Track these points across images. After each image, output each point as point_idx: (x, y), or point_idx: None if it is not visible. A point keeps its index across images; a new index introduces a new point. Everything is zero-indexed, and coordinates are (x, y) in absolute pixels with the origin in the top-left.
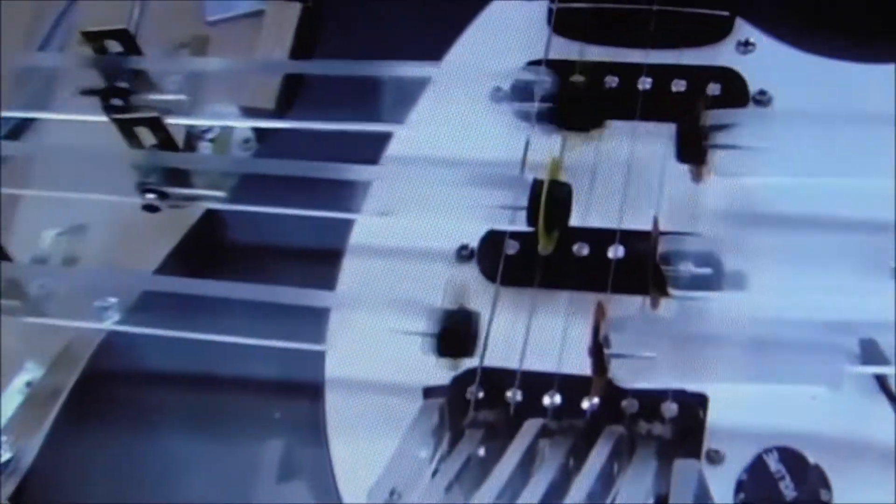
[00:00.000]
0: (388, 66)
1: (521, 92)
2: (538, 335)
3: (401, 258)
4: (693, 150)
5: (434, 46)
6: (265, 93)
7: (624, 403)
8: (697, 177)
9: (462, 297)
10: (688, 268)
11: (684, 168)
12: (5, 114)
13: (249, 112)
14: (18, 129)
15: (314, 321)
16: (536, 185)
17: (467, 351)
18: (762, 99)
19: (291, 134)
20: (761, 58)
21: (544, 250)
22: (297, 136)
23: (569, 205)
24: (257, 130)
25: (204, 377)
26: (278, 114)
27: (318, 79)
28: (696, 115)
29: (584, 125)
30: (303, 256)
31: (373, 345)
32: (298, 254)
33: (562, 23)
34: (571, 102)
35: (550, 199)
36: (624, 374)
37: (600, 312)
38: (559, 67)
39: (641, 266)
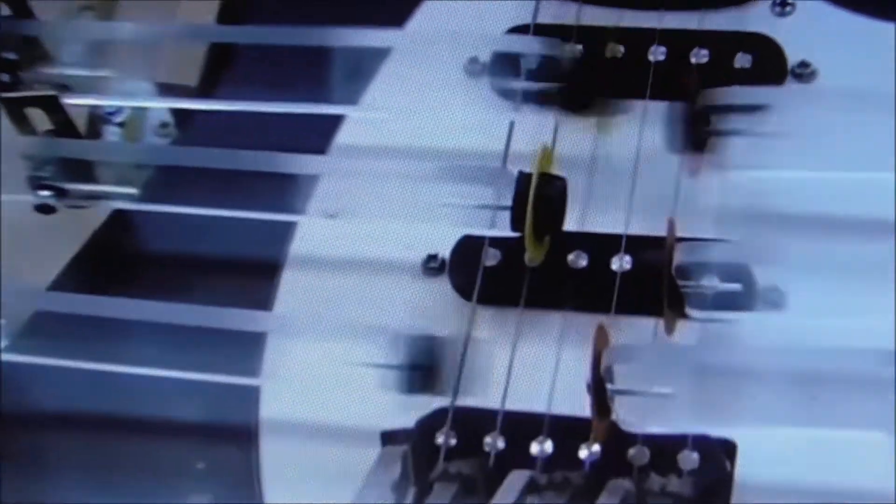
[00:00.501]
0: (337, 33)
1: (503, 64)
2: (524, 367)
3: (353, 271)
4: (688, 138)
5: (395, 9)
6: (187, 66)
7: (632, 452)
8: (692, 169)
9: (429, 320)
10: (712, 283)
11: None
12: None
13: (168, 90)
14: None
15: (247, 349)
16: (523, 179)
17: (435, 386)
18: (804, 72)
19: (219, 117)
20: (803, 21)
21: (532, 261)
22: (225, 120)
23: (563, 204)
24: (177, 112)
25: (111, 417)
26: (203, 92)
27: (251, 49)
28: (690, 93)
29: (581, 106)
30: (232, 269)
31: (318, 379)
32: (227, 265)
33: None
34: (566, 77)
35: (540, 196)
36: (632, 416)
37: (602, 339)
38: (551, 34)
39: (653, 281)
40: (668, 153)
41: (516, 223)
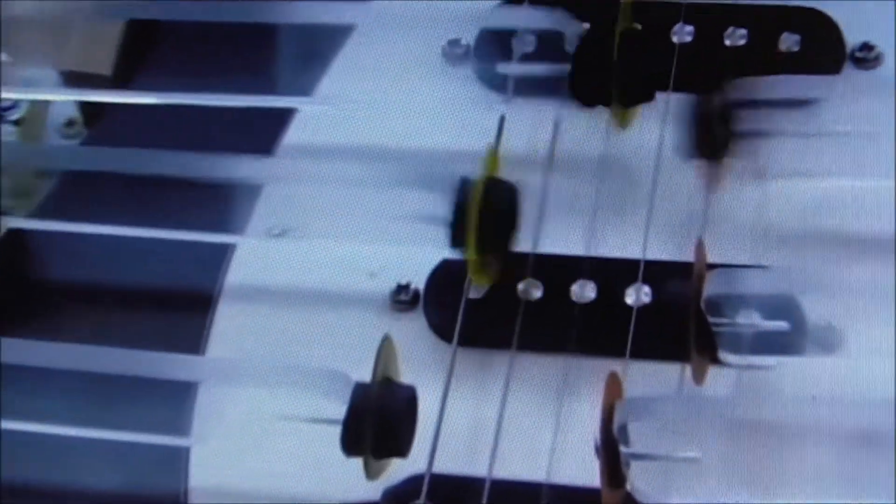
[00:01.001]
0: (286, 7)
1: (491, 46)
2: (517, 424)
3: (304, 305)
4: (708, 142)
5: None
6: (98, 50)
7: None
8: (712, 182)
9: (399, 365)
10: (751, 320)
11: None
12: None
13: (75, 79)
14: None
15: (173, 401)
16: (465, 186)
17: (403, 449)
18: (866, 57)
19: (138, 112)
20: None
21: (531, 291)
22: (146, 116)
23: (512, 216)
24: (86, 107)
25: (7, 483)
26: (118, 82)
27: (177, 29)
28: (716, 87)
29: (590, 97)
30: (155, 302)
31: (262, 438)
32: (148, 297)
33: None
34: (569, 61)
35: (486, 207)
36: (650, 487)
37: (614, 389)
38: (554, 6)
39: (678, 317)
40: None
41: (456, 238)
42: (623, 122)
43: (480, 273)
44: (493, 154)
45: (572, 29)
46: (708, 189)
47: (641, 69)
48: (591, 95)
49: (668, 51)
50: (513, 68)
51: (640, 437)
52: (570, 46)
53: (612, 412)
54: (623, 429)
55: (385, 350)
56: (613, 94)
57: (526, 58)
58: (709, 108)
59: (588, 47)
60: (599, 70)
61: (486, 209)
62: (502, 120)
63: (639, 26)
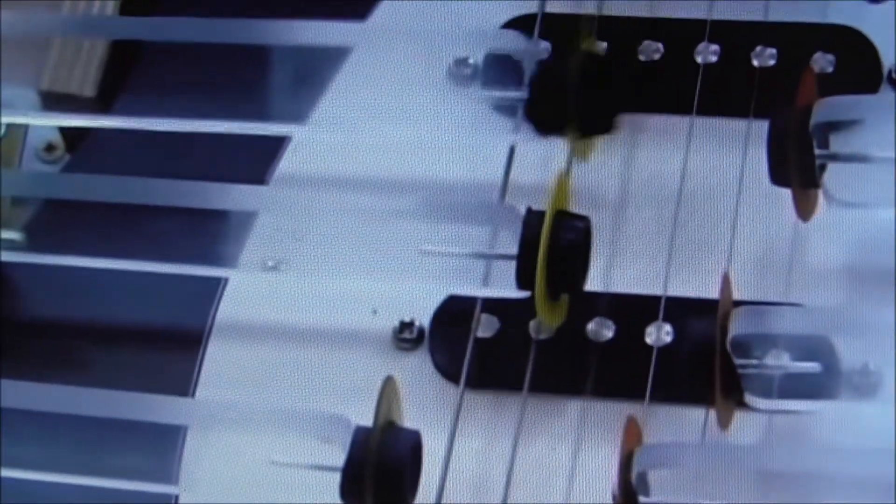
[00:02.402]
0: (280, 27)
1: (500, 68)
2: (529, 472)
3: (300, 343)
4: (798, 164)
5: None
6: (81, 70)
7: None
8: (803, 209)
9: (402, 408)
10: (781, 361)
11: (779, 195)
12: None
13: (56, 101)
14: None
15: (161, 446)
16: (532, 219)
17: (407, 498)
18: None
19: (123, 136)
20: None
21: (544, 330)
22: (132, 141)
23: (586, 253)
24: (68, 131)
25: None
26: (102, 105)
27: (164, 48)
28: (801, 106)
29: (605, 124)
30: (142, 339)
31: (253, 487)
32: (135, 334)
33: None
34: (585, 86)
35: (557, 243)
36: None
37: (633, 435)
38: (564, 28)
39: (702, 358)
40: (739, 185)
41: (524, 279)
42: (582, 152)
43: (549, 313)
44: (564, 184)
45: (533, 53)
46: (801, 217)
47: (598, 96)
48: (547, 124)
49: (632, 73)
50: (523, 93)
51: (660, 487)
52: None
53: (630, 460)
54: (642, 477)
55: (387, 392)
56: (571, 123)
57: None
58: (800, 129)
59: (545, 73)
60: (555, 97)
61: (557, 246)
62: (512, 149)
63: (601, 47)
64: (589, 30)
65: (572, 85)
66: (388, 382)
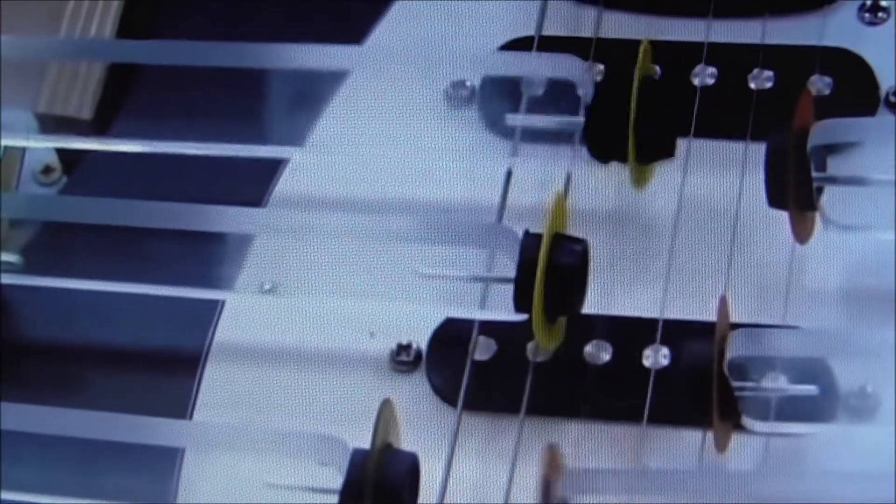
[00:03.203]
0: (277, 50)
1: (497, 91)
2: (526, 493)
3: (297, 366)
4: (795, 187)
5: (351, 20)
6: (78, 92)
7: None
8: (800, 232)
9: (396, 430)
10: (778, 384)
11: (776, 218)
12: None
13: (53, 123)
14: None
15: (159, 468)
16: (529, 241)
17: None
18: None
19: (120, 159)
20: None
21: (541, 353)
22: (128, 164)
23: (584, 275)
24: (65, 152)
25: None
26: (99, 127)
27: (161, 70)
28: (798, 129)
29: (603, 149)
30: (138, 361)
31: None
32: (131, 357)
33: None
34: (646, 111)
35: (554, 266)
36: None
37: (553, 464)
38: (562, 51)
39: (699, 381)
40: (736, 208)
41: (521, 301)
42: (641, 179)
43: (546, 336)
44: (562, 204)
45: (584, 75)
46: (798, 240)
47: (662, 123)
48: (607, 150)
49: (687, 100)
50: (520, 119)
51: None
52: (583, 93)
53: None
54: None
55: (385, 414)
56: (631, 150)
57: (535, 103)
58: (797, 151)
59: (605, 97)
60: (616, 123)
61: (554, 268)
62: (509, 171)
63: (656, 71)
64: (645, 53)
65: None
66: (386, 405)
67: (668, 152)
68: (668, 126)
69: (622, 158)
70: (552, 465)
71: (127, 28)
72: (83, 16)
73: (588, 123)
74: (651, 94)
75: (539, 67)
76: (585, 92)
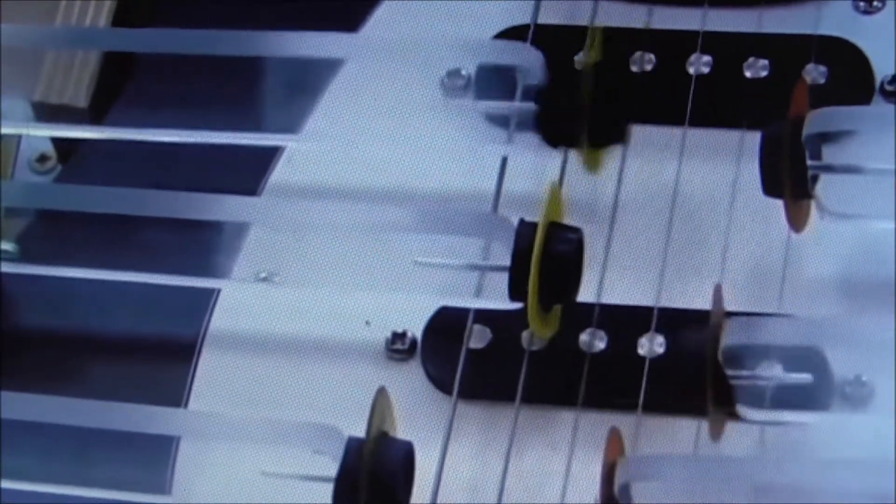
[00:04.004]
0: (272, 39)
1: (492, 80)
2: (522, 483)
3: (293, 354)
4: (791, 175)
5: (346, 8)
6: (73, 81)
7: None
8: (796, 220)
9: (392, 419)
10: (773, 372)
11: (772, 206)
12: None
13: (49, 112)
14: None
15: (153, 456)
16: (524, 230)
17: None
18: None
19: (115, 148)
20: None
21: (536, 341)
22: (124, 152)
23: (579, 264)
24: (60, 141)
25: None
26: (95, 115)
27: (157, 60)
28: (793, 118)
29: (597, 136)
30: (134, 349)
31: (246, 497)
32: (127, 344)
33: None
34: (575, 99)
35: (549, 254)
36: None
37: (615, 447)
38: (556, 38)
39: (694, 369)
40: (731, 197)
41: (516, 290)
42: (593, 164)
43: (541, 324)
44: (557, 195)
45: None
46: (793, 229)
47: (610, 107)
48: (559, 136)
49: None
50: (515, 105)
51: (644, 499)
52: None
53: (613, 472)
54: (625, 489)
55: (380, 403)
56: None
57: (529, 93)
58: (792, 140)
59: (556, 85)
60: (567, 109)
61: (549, 257)
62: (504, 160)
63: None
64: (592, 40)
65: (584, 96)
66: (381, 393)
67: (618, 137)
68: (617, 110)
69: (574, 144)
70: (617, 450)
71: (123, 16)
72: (76, 13)
73: (539, 110)
74: (599, 79)
75: (529, 56)
76: (540, 79)
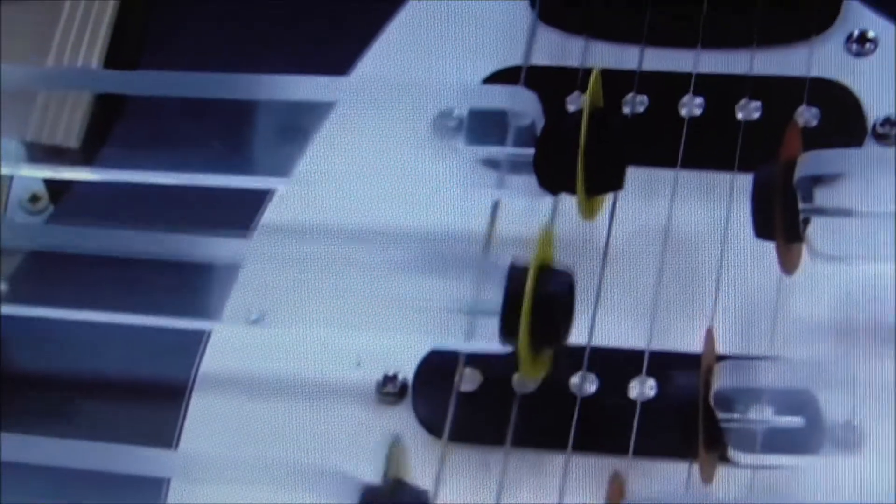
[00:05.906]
0: (264, 82)
1: (484, 123)
2: None
3: (284, 396)
4: (783, 218)
5: (337, 51)
6: (66, 122)
7: None
8: (787, 263)
9: (398, 463)
10: (764, 416)
11: (763, 249)
12: None
13: (40, 152)
14: None
15: (144, 499)
16: (516, 273)
17: None
18: (889, 133)
19: (108, 188)
20: (887, 63)
21: (526, 384)
22: (116, 193)
23: (569, 307)
24: (52, 182)
25: None
26: (86, 156)
27: (149, 101)
28: (785, 160)
29: (591, 181)
30: (124, 391)
31: None
32: (116, 387)
33: (553, 7)
34: (567, 143)
35: (541, 296)
36: None
37: (616, 490)
38: (549, 81)
39: (685, 412)
40: (723, 239)
41: (507, 333)
42: (590, 211)
43: (532, 367)
44: (548, 237)
45: (536, 106)
46: (784, 271)
47: (608, 153)
48: (555, 182)
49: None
50: (506, 149)
51: None
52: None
53: None
54: None
55: (395, 452)
56: (579, 182)
57: (521, 136)
58: (783, 182)
59: (551, 130)
60: (562, 155)
61: (541, 299)
62: (496, 203)
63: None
64: (592, 85)
65: (583, 144)
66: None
67: (616, 184)
68: (616, 157)
69: (571, 190)
70: (618, 493)
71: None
72: (70, 44)
73: (536, 155)
74: (598, 125)
75: (520, 99)
76: (538, 124)
